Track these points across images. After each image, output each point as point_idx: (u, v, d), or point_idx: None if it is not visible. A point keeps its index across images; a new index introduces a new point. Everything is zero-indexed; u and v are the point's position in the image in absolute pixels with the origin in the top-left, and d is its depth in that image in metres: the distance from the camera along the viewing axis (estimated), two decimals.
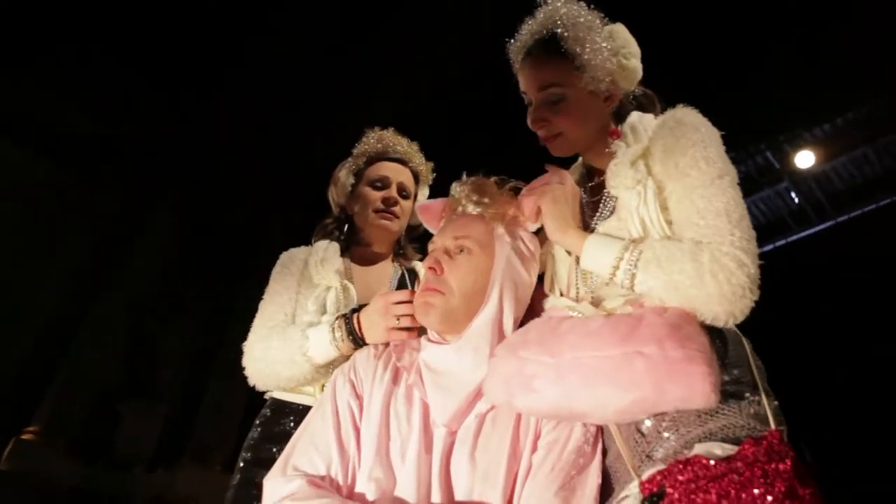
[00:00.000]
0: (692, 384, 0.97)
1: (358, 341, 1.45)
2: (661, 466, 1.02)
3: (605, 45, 1.36)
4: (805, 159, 5.90)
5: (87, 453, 4.57)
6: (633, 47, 1.43)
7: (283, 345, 1.52)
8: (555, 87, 1.35)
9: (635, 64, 1.43)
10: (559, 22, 1.36)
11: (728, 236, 1.10)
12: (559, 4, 1.39)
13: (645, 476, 1.03)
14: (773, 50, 3.96)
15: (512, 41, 1.46)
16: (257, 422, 1.62)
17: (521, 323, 1.30)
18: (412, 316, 1.36)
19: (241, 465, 1.54)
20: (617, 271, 1.15)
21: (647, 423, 1.09)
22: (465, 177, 1.42)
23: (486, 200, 1.36)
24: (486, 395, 1.18)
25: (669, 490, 0.98)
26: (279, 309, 1.64)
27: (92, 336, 4.84)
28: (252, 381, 1.58)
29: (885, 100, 5.10)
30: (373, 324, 1.43)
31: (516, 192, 1.40)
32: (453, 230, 1.34)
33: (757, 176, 6.51)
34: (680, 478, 0.97)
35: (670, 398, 0.99)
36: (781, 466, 0.93)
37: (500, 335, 1.25)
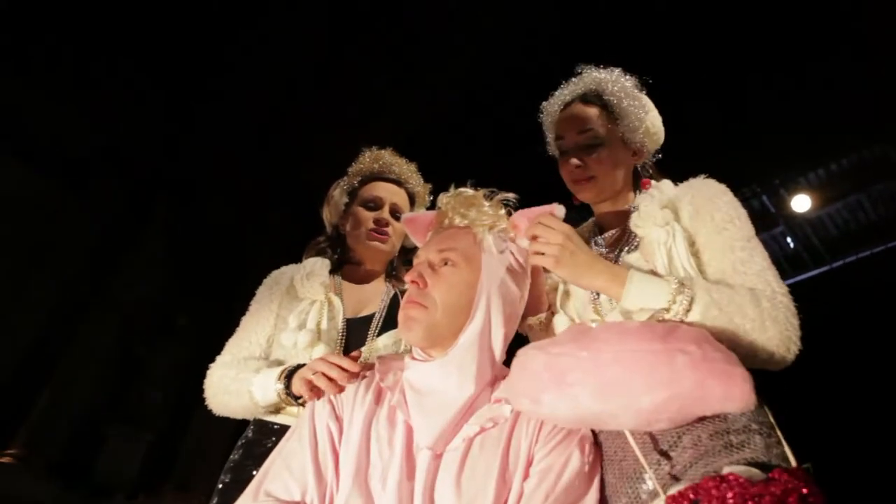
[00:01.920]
0: (732, 383, 0.98)
1: (290, 393, 1.43)
2: (690, 483, 0.99)
3: (641, 102, 1.49)
4: (802, 203, 5.94)
5: (66, 478, 4.46)
6: (657, 114, 1.55)
7: (236, 377, 1.53)
8: (593, 130, 1.45)
9: (660, 128, 1.55)
10: (601, 81, 1.49)
11: (777, 287, 1.16)
12: (601, 73, 1.52)
13: (672, 491, 1.00)
14: (768, 94, 4.03)
15: (550, 101, 1.57)
16: (240, 442, 1.58)
17: (511, 354, 1.24)
18: (327, 378, 1.29)
19: (220, 486, 1.50)
20: (667, 314, 1.13)
21: (671, 449, 1.07)
22: (452, 188, 1.38)
23: (472, 212, 1.31)
24: (509, 395, 1.14)
25: None
26: (249, 336, 1.64)
27: (79, 358, 4.77)
28: (207, 403, 1.59)
29: (879, 147, 5.17)
30: (297, 376, 1.40)
31: (506, 205, 1.36)
32: (438, 243, 1.29)
33: (753, 220, 6.54)
34: (714, 492, 0.93)
35: (710, 395, 0.99)
36: (814, 497, 0.92)
37: (489, 351, 1.20)
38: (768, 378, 1.19)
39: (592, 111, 1.48)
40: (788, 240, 6.79)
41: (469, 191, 1.35)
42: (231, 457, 1.57)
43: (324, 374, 1.29)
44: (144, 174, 5.01)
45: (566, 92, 1.55)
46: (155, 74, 4.54)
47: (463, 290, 1.22)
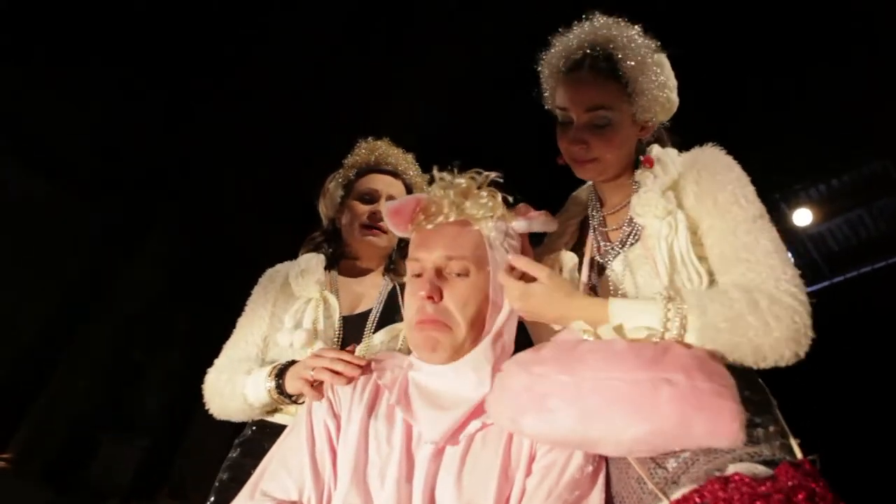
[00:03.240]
0: (720, 419, 0.93)
1: (283, 392, 1.42)
2: (694, 486, 0.96)
3: (657, 76, 1.31)
4: (802, 218, 5.93)
5: (60, 483, 4.42)
6: (673, 80, 1.38)
7: (229, 380, 1.51)
8: (604, 109, 1.28)
9: (675, 99, 1.39)
10: (616, 44, 1.30)
11: (781, 274, 1.07)
12: (610, 22, 1.32)
13: (676, 496, 0.97)
14: (768, 108, 4.04)
15: (551, 47, 1.37)
16: (237, 441, 1.57)
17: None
18: (331, 371, 1.26)
19: (217, 484, 1.49)
20: (664, 335, 1.06)
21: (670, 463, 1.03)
22: (436, 173, 1.29)
23: (469, 206, 1.23)
24: (490, 414, 1.10)
25: None
26: (245, 336, 1.63)
27: (75, 363, 4.74)
28: (207, 407, 1.57)
29: (881, 163, 5.18)
30: (293, 375, 1.38)
31: (496, 185, 1.28)
32: (443, 247, 1.20)
33: None
34: (721, 494, 0.90)
35: (695, 432, 0.94)
36: (822, 490, 0.89)
37: (502, 347, 1.19)
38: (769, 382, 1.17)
39: (604, 85, 1.29)
40: (789, 255, 6.78)
41: (461, 181, 1.26)
42: (229, 455, 1.55)
43: (327, 369, 1.26)
44: (144, 179, 5.00)
45: (572, 44, 1.33)
46: (155, 78, 4.55)
47: (481, 299, 1.19)
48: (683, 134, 1.48)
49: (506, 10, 3.99)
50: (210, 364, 1.64)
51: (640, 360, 0.99)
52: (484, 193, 1.25)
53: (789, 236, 6.54)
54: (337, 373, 1.26)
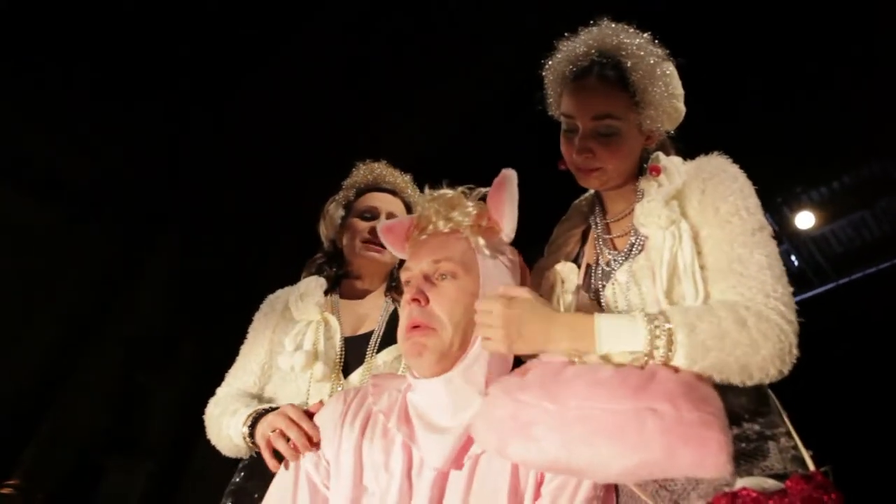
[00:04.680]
0: (706, 451, 0.91)
1: (255, 441, 1.40)
2: (702, 502, 0.95)
3: (665, 86, 1.31)
4: (805, 221, 5.92)
5: None
6: (681, 89, 1.39)
7: (218, 418, 1.51)
8: (610, 118, 1.27)
9: (682, 108, 1.40)
10: (625, 52, 1.29)
11: (772, 291, 1.07)
12: (619, 29, 1.32)
13: None
14: (768, 111, 4.04)
15: (557, 52, 1.37)
16: (241, 464, 1.55)
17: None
18: (286, 439, 1.25)
19: None
20: (651, 353, 1.03)
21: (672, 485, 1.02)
22: (427, 190, 1.31)
23: (456, 214, 1.23)
24: (477, 439, 1.07)
25: None
26: (245, 365, 1.63)
27: (80, 386, 4.73)
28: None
29: (881, 164, 5.17)
30: (261, 427, 1.37)
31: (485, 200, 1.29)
32: (430, 252, 1.21)
33: None
34: None
35: (681, 464, 0.91)
36: (835, 503, 0.88)
37: (497, 357, 1.15)
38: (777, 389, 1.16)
39: (612, 94, 1.28)
40: (792, 258, 6.75)
41: (448, 191, 1.28)
42: (232, 479, 1.53)
43: (282, 434, 1.25)
44: (147, 203, 5.01)
45: (579, 50, 1.32)
46: (156, 103, 4.58)
47: (468, 302, 1.17)
48: (685, 137, 1.48)
49: (503, 29, 4.01)
50: (214, 387, 1.63)
51: (624, 389, 0.97)
52: (470, 203, 1.26)
53: (793, 239, 6.53)
54: (293, 441, 1.24)
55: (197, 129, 4.78)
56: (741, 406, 1.06)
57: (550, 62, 1.38)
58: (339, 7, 4.16)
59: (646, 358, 1.03)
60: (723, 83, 3.75)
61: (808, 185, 5.65)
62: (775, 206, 6.09)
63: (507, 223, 1.26)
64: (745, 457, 0.98)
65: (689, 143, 1.46)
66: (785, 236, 6.46)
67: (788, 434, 1.04)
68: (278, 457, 1.27)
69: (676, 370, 1.01)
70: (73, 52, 4.13)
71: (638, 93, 1.28)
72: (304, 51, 4.36)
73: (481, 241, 1.22)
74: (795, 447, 1.02)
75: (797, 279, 6.89)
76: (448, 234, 1.24)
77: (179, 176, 4.94)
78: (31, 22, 3.93)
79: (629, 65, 1.28)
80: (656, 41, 1.34)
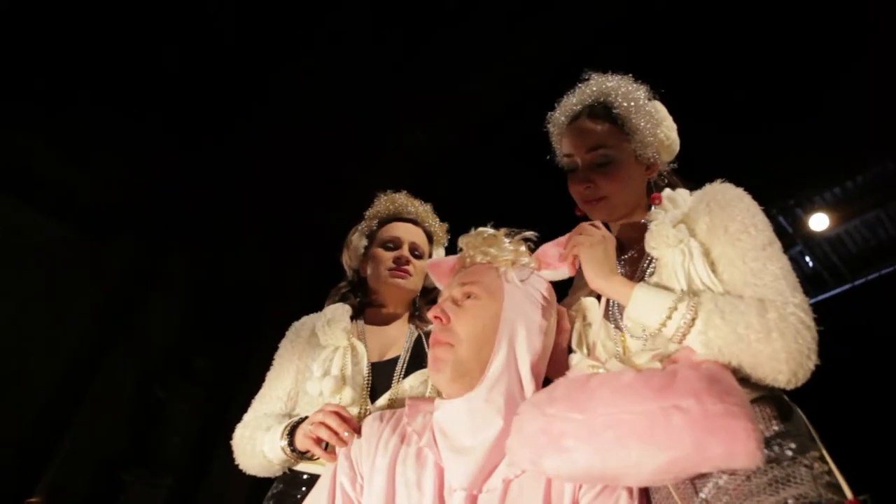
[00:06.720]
0: (735, 441, 0.91)
1: (296, 449, 1.43)
2: None
3: (651, 116, 1.44)
4: (819, 222, 5.88)
5: None
6: (671, 122, 1.50)
7: (251, 437, 1.52)
8: (604, 148, 1.39)
9: (675, 138, 1.50)
10: (611, 93, 1.44)
11: (790, 297, 1.08)
12: (606, 78, 1.47)
13: None
14: (781, 114, 4.02)
15: (554, 112, 1.52)
16: (270, 493, 1.56)
17: (546, 381, 1.22)
18: (328, 427, 1.29)
19: None
20: (668, 321, 1.10)
21: (709, 493, 1.02)
22: (473, 230, 1.40)
23: (493, 250, 1.32)
24: (510, 458, 1.08)
25: None
26: (271, 391, 1.65)
27: (98, 402, 4.77)
28: (236, 461, 1.58)
29: (892, 162, 5.13)
30: (301, 432, 1.40)
31: (526, 241, 1.38)
32: (461, 278, 1.29)
33: None
34: None
35: (711, 456, 0.91)
36: None
37: (518, 384, 1.17)
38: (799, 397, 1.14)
39: (602, 127, 1.41)
40: (807, 259, 6.71)
41: (489, 230, 1.38)
42: None
43: (322, 423, 1.29)
44: (163, 220, 5.07)
45: (573, 102, 1.49)
46: (171, 121, 4.64)
47: (487, 322, 1.21)
48: (699, 146, 1.53)
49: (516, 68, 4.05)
50: (231, 402, 1.64)
51: (648, 390, 0.99)
52: (508, 240, 1.35)
53: (807, 242, 6.48)
54: (334, 430, 1.28)
55: (211, 149, 4.84)
56: (767, 415, 1.05)
57: (551, 118, 1.55)
58: (340, 26, 4.22)
59: (661, 328, 1.10)
60: (735, 88, 3.76)
61: (822, 186, 5.61)
62: (788, 208, 6.07)
63: (552, 273, 1.35)
64: (777, 483, 0.97)
65: (703, 149, 1.50)
66: (799, 238, 6.43)
67: (822, 458, 1.02)
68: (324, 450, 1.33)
69: (697, 367, 1.02)
70: (88, 72, 4.20)
71: (625, 123, 1.41)
72: (313, 68, 4.41)
73: (512, 274, 1.29)
74: (830, 472, 0.99)
75: (812, 281, 6.84)
76: (482, 265, 1.33)
77: (194, 194, 4.99)
78: (51, 49, 4.02)
79: (614, 101, 1.43)
80: (643, 80, 1.50)
